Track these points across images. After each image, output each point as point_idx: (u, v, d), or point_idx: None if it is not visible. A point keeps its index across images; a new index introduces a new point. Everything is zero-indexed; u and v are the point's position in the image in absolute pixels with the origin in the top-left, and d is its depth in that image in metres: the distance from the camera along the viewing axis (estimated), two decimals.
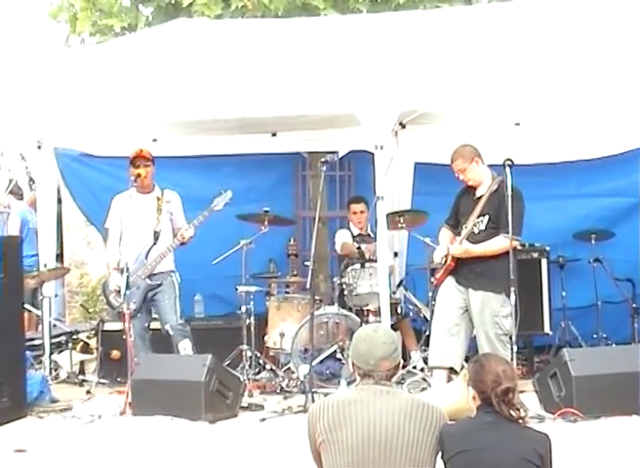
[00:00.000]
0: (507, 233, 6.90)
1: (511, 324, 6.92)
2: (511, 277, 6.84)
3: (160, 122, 8.82)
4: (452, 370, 7.21)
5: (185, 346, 7.86)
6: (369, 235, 9.08)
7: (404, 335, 8.46)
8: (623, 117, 8.47)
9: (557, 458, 3.93)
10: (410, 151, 9.51)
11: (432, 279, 7.98)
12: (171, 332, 7.91)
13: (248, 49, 8.24)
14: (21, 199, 11.17)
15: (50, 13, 13.19)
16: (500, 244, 7.01)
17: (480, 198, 7.21)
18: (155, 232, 7.99)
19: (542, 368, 8.00)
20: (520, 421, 3.85)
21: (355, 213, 9.16)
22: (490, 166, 7.35)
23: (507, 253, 6.92)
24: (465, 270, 7.23)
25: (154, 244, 7.98)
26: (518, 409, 3.84)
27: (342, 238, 9.23)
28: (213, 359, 6.98)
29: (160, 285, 7.99)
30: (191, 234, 7.96)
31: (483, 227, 7.14)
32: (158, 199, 8.08)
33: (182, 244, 8.02)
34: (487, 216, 7.12)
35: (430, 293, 8.32)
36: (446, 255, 7.32)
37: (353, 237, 9.13)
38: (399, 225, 8.59)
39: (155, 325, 8.31)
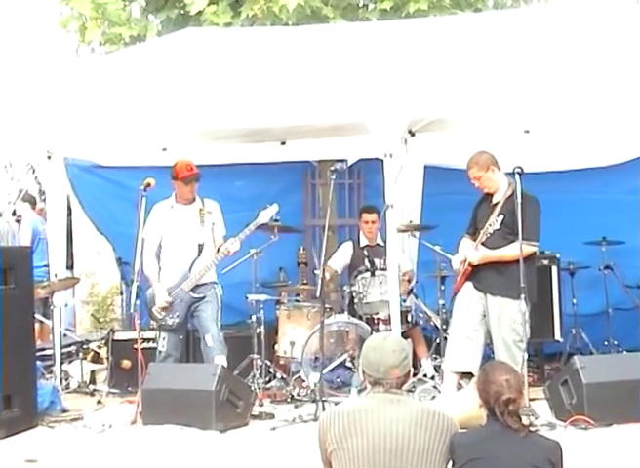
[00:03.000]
0: (524, 239, 6.89)
1: (527, 330, 6.91)
2: (521, 284, 6.83)
3: (170, 131, 8.83)
4: (465, 376, 7.21)
5: (220, 362, 7.65)
6: (378, 245, 9.06)
7: (414, 343, 8.44)
8: (633, 124, 8.45)
9: (569, 466, 3.92)
10: (419, 159, 9.49)
11: (444, 286, 8.02)
12: (210, 343, 7.77)
13: (257, 57, 8.26)
14: (34, 207, 11.18)
15: (60, 22, 13.22)
16: (517, 250, 7.00)
17: (496, 204, 7.24)
18: (199, 245, 7.94)
19: (553, 375, 7.99)
20: (525, 430, 3.84)
21: (367, 222, 9.12)
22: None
23: (527, 258, 6.92)
24: (483, 274, 7.25)
25: (198, 256, 7.95)
26: (520, 419, 3.83)
27: (337, 256, 9.30)
28: (223, 368, 7.00)
29: (204, 297, 7.94)
30: (237, 248, 7.91)
31: (497, 226, 7.14)
32: (201, 210, 8.03)
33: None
34: (501, 216, 7.11)
35: (442, 302, 8.33)
36: (464, 261, 7.33)
37: (361, 247, 9.13)
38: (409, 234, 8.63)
39: None
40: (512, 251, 7.06)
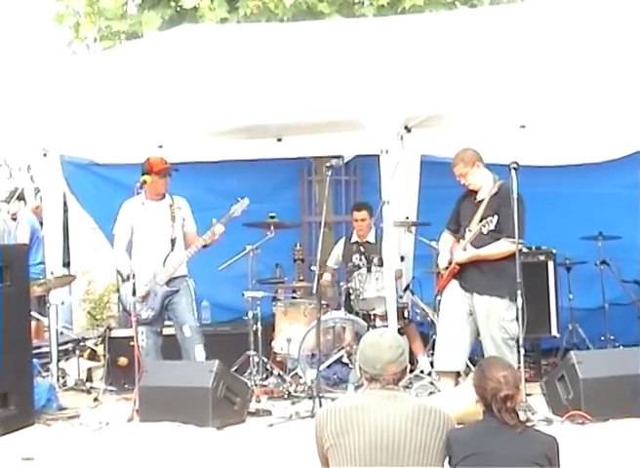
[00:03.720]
0: (509, 237, 6.91)
1: (517, 327, 6.92)
2: (518, 280, 6.84)
3: (166, 128, 8.82)
4: (458, 374, 7.21)
5: (200, 352, 7.86)
6: (367, 242, 9.06)
7: (411, 340, 8.45)
8: (629, 119, 8.44)
9: (565, 462, 3.92)
10: (415, 155, 9.48)
11: (436, 283, 8.03)
12: (188, 334, 7.88)
13: (253, 54, 8.24)
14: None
15: (54, 16, 13.20)
16: (502, 248, 7.03)
17: (481, 202, 7.23)
18: (172, 239, 8.01)
19: (550, 370, 7.98)
20: (521, 426, 3.84)
21: (357, 220, 9.13)
22: (495, 165, 7.35)
23: (511, 256, 6.93)
24: (469, 274, 7.25)
25: (171, 250, 8.00)
26: (518, 416, 3.83)
27: (332, 255, 9.35)
28: (220, 365, 6.98)
29: (178, 290, 8.00)
30: (222, 230, 7.97)
31: (492, 227, 7.09)
32: (171, 206, 8.09)
33: (205, 246, 8.03)
34: (495, 217, 7.09)
35: (439, 297, 8.31)
36: (450, 261, 7.33)
37: (351, 243, 9.14)
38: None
39: (167, 331, 8.29)
40: (498, 248, 7.08)
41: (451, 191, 7.73)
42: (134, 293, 7.44)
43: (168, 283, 7.97)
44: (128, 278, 7.65)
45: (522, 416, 3.88)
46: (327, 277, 9.08)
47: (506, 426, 3.80)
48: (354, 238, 9.23)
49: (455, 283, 7.35)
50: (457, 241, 7.43)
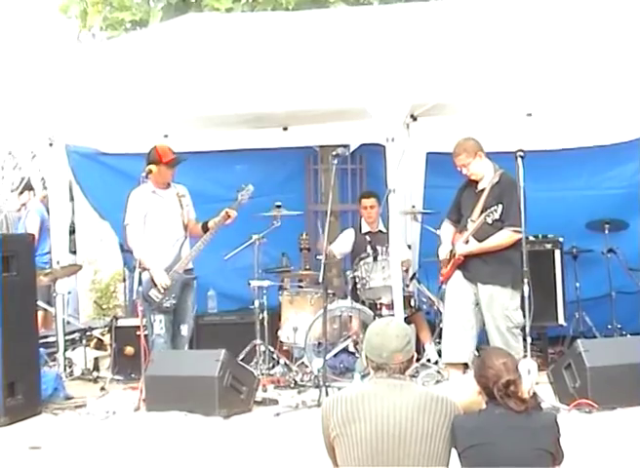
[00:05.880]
0: (511, 226, 6.90)
1: (522, 316, 6.91)
2: (525, 269, 6.82)
3: (171, 118, 8.80)
4: (467, 365, 7.20)
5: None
6: (380, 231, 9.05)
7: (418, 328, 8.44)
8: (636, 104, 8.40)
9: (573, 450, 3.92)
10: (421, 143, 9.46)
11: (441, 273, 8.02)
12: (184, 333, 7.90)
13: (258, 43, 8.22)
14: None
15: (60, 7, 13.20)
16: (505, 238, 7.03)
17: (482, 191, 7.21)
18: (185, 226, 7.99)
19: (557, 359, 7.97)
20: (526, 409, 3.82)
21: (365, 207, 9.12)
22: (502, 154, 7.33)
23: (514, 245, 6.92)
24: (472, 264, 7.24)
25: (185, 238, 7.99)
26: (523, 400, 3.82)
27: (338, 242, 9.31)
28: (226, 354, 6.99)
29: (194, 278, 8.02)
30: (235, 214, 7.94)
31: (497, 216, 7.09)
32: (177, 194, 8.06)
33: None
34: (500, 206, 7.07)
35: (444, 287, 8.30)
36: (451, 251, 7.31)
37: (362, 234, 9.12)
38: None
39: None
40: (500, 239, 7.08)
41: (457, 183, 7.71)
42: (140, 283, 7.43)
43: (185, 271, 7.94)
44: (141, 267, 7.61)
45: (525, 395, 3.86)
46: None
47: (510, 414, 3.78)
48: (365, 228, 9.21)
49: (459, 273, 7.34)
50: (458, 231, 7.42)
